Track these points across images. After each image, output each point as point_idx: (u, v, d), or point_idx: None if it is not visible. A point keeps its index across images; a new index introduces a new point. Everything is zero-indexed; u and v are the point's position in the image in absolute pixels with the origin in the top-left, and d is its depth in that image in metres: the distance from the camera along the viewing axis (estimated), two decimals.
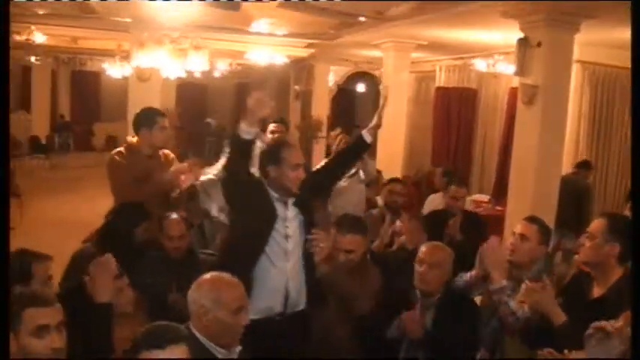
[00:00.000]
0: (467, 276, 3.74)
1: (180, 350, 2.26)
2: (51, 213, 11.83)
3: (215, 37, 9.88)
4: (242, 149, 3.46)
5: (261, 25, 8.87)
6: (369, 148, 4.22)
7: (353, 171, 6.06)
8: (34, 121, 19.36)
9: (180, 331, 2.37)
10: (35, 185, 14.06)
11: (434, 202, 6.91)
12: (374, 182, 6.25)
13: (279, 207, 3.63)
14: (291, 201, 3.69)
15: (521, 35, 6.83)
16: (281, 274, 3.60)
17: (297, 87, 16.71)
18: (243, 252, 3.57)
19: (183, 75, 8.03)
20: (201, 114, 21.58)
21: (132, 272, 3.53)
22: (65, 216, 11.39)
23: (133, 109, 7.03)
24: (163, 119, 4.89)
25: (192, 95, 20.26)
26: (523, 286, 3.12)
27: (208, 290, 2.78)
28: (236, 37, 10.63)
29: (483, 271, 3.59)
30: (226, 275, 2.87)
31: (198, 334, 2.73)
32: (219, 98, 22.42)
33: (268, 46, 11.08)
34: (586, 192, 8.25)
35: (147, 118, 4.86)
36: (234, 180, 3.60)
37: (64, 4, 8.96)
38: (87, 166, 15.98)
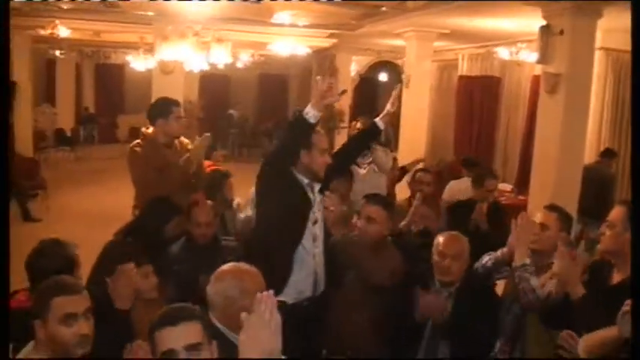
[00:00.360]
0: (497, 254, 3.76)
1: (194, 327, 2.29)
2: (76, 205, 12.02)
3: (237, 29, 9.95)
4: (303, 132, 3.51)
5: (283, 16, 8.93)
6: (381, 133, 4.38)
7: (371, 158, 6.17)
8: (59, 114, 19.58)
9: (195, 311, 2.40)
10: (61, 177, 14.28)
11: (453, 188, 7.00)
12: (387, 172, 6.31)
13: (309, 193, 3.72)
14: (317, 186, 3.78)
15: (544, 23, 6.81)
16: (312, 259, 3.70)
17: (318, 77, 16.68)
18: (282, 240, 3.63)
19: (207, 68, 8.11)
20: (224, 105, 21.69)
21: (158, 260, 3.62)
22: (90, 208, 11.58)
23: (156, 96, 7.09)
24: (178, 109, 5.00)
25: (215, 87, 20.35)
26: (560, 250, 3.09)
27: (232, 280, 2.80)
28: (258, 28, 10.71)
29: (511, 249, 3.63)
30: (244, 264, 2.92)
31: (221, 326, 2.74)
32: (242, 89, 22.50)
33: (290, 36, 11.17)
34: (609, 180, 8.22)
35: (162, 109, 4.96)
36: (281, 163, 3.64)
37: (89, 3, 9.09)
38: (111, 158, 16.16)
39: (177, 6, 7.92)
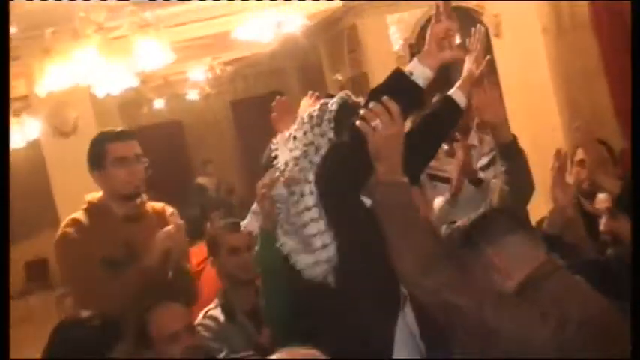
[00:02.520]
0: None
1: None
2: None
3: (172, 13, 9.94)
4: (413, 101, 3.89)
5: None
6: (462, 114, 4.58)
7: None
8: None
9: None
10: None
11: None
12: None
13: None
14: None
15: None
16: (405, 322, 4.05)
17: (338, 76, 16.78)
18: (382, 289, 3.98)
19: (134, 83, 8.10)
20: (183, 172, 21.85)
21: None
22: None
23: (63, 200, 7.19)
24: (118, 145, 5.13)
25: (161, 144, 20.48)
26: None
27: None
28: (206, 4, 10.74)
29: None
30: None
31: None
32: (210, 138, 22.67)
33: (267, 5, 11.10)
34: None
35: (92, 153, 5.15)
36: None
37: None
38: None
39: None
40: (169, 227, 5.03)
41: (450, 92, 4.48)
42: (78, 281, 5.05)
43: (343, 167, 3.97)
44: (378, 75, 14.61)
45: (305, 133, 4.17)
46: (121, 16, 7.59)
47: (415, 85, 3.84)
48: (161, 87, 18.29)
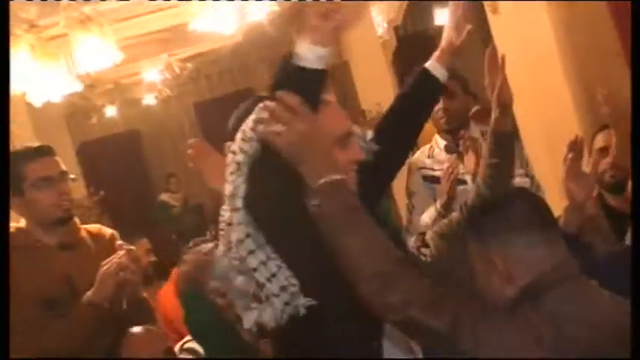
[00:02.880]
0: None
1: None
2: None
3: (116, 6, 9.91)
4: (307, 83, 3.60)
5: None
6: (442, 89, 4.70)
7: None
8: None
9: None
10: None
11: None
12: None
13: None
14: None
15: None
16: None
17: None
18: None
19: (77, 87, 8.02)
20: (145, 186, 21.83)
21: None
22: None
23: None
24: (36, 164, 5.00)
25: (116, 156, 20.49)
26: None
27: None
28: None
29: None
30: None
31: None
32: (172, 146, 22.60)
33: None
34: None
35: (12, 177, 4.94)
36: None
37: None
38: None
39: None
40: (120, 255, 4.92)
41: (427, 65, 4.55)
42: (12, 328, 4.74)
43: (266, 183, 3.81)
44: (362, 63, 14.61)
45: (237, 151, 3.92)
46: (56, 12, 7.50)
47: (309, 70, 3.52)
48: (112, 92, 18.10)
